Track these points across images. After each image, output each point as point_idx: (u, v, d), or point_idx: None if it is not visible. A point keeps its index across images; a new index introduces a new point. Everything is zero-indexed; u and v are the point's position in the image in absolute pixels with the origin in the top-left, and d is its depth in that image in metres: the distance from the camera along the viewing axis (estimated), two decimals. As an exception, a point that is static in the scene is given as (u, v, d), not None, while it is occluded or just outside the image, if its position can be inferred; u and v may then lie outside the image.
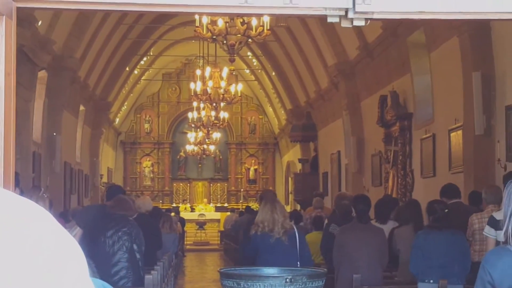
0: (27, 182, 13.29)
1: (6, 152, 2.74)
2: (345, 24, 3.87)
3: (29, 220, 1.55)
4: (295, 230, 7.86)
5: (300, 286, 6.33)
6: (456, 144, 12.57)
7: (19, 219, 1.54)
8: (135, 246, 7.90)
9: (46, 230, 1.55)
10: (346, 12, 3.77)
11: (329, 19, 3.85)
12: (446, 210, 7.36)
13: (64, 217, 11.66)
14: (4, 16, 2.72)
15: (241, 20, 12.81)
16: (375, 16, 3.82)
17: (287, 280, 6.31)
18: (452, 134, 12.77)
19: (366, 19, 3.84)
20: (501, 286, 3.15)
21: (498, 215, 7.20)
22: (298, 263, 7.62)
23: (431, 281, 7.08)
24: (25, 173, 14.11)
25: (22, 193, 7.23)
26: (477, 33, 11.50)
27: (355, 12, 3.74)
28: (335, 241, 8.47)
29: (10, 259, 1.47)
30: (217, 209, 35.11)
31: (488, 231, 7.31)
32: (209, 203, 35.84)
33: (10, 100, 2.69)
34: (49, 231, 1.56)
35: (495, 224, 7.22)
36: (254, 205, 32.04)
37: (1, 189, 1.63)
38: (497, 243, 7.18)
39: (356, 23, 3.83)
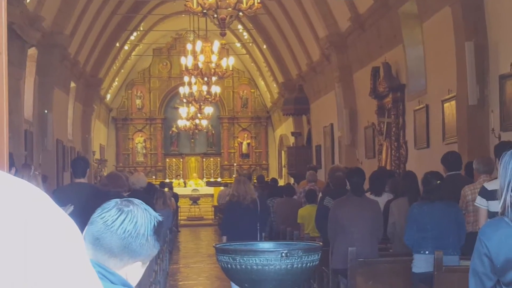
0: (19, 161, 13.27)
1: (0, 132, 2.73)
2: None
3: (26, 202, 1.55)
4: (257, 200, 10.80)
5: (296, 260, 6.35)
6: (449, 115, 12.57)
7: (16, 201, 1.54)
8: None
9: (43, 211, 1.55)
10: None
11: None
12: (438, 182, 7.36)
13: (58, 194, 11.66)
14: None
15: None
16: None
17: (283, 254, 6.32)
18: (445, 105, 12.77)
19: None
20: (498, 258, 3.16)
21: (490, 185, 7.22)
22: (258, 223, 10.67)
23: (427, 252, 7.11)
24: (17, 151, 14.08)
25: (16, 172, 7.20)
26: (470, 3, 11.44)
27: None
28: (330, 214, 8.48)
29: (8, 240, 1.47)
30: (209, 184, 35.12)
31: (480, 201, 7.33)
32: (201, 178, 35.86)
33: (2, 79, 2.67)
34: (46, 211, 1.56)
35: (487, 194, 7.24)
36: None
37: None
38: (491, 214, 7.21)
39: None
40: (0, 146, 2.78)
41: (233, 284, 12.27)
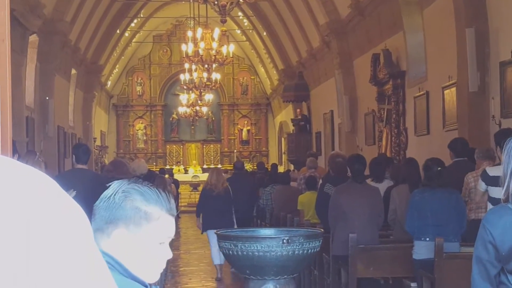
0: (21, 147, 13.26)
1: (3, 119, 2.71)
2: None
3: (34, 188, 1.53)
4: (229, 188, 12.93)
5: (297, 247, 6.35)
6: (449, 102, 12.55)
7: (24, 187, 1.52)
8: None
9: (50, 198, 1.53)
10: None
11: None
12: (439, 168, 7.34)
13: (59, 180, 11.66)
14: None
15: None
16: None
17: (284, 241, 6.33)
18: (445, 92, 12.74)
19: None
20: (503, 246, 3.14)
21: (492, 171, 7.22)
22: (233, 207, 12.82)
23: (427, 239, 7.10)
24: (19, 138, 14.07)
25: (19, 158, 7.20)
26: None
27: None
28: (331, 201, 8.47)
29: (17, 227, 1.46)
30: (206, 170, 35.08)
31: (480, 185, 7.36)
32: (201, 165, 35.85)
33: (6, 67, 2.64)
34: (54, 198, 1.55)
35: (486, 179, 7.26)
36: (248, 166, 32.17)
37: (4, 157, 1.60)
38: (493, 200, 7.21)
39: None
40: (4, 133, 2.76)
41: (213, 252, 13.13)
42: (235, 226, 12.46)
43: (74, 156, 8.39)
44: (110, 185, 2.35)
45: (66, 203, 1.55)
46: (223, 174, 14.10)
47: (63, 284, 1.47)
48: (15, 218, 1.45)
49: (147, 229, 2.32)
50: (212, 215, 12.54)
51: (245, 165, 29.46)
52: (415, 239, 7.31)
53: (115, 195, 2.31)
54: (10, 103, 2.73)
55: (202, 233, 13.67)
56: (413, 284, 7.70)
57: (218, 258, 12.61)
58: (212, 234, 11.94)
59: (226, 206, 12.68)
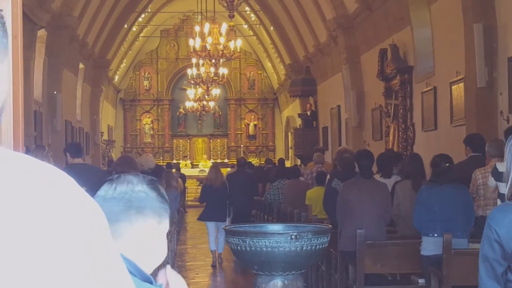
0: (29, 141, 13.27)
1: (15, 114, 2.71)
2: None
3: (51, 184, 1.53)
4: (226, 183, 14.58)
5: (305, 243, 6.34)
6: (457, 97, 12.51)
7: (41, 183, 1.52)
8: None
9: (67, 194, 1.52)
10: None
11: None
12: (447, 164, 7.32)
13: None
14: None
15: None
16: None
17: (292, 236, 6.31)
18: (453, 87, 12.71)
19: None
20: (508, 244, 3.12)
21: (501, 167, 7.19)
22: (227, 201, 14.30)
23: (435, 234, 7.07)
24: (27, 132, 14.08)
25: (28, 152, 7.20)
26: None
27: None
28: (339, 196, 8.46)
29: (35, 222, 1.43)
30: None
31: (490, 181, 7.33)
32: (209, 159, 35.85)
33: (18, 62, 2.64)
34: (71, 194, 1.54)
35: (497, 175, 7.23)
36: (254, 160, 32.16)
37: (22, 154, 1.60)
38: (501, 195, 7.19)
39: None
40: (16, 127, 2.76)
41: (210, 240, 14.51)
42: (230, 217, 14.79)
43: (68, 154, 8.51)
44: (118, 177, 2.43)
45: (85, 201, 1.56)
46: (221, 170, 15.44)
47: (83, 279, 1.47)
48: (34, 215, 1.45)
49: (166, 221, 2.46)
50: (210, 207, 14.35)
51: (249, 160, 29.50)
52: (423, 235, 7.29)
53: (144, 188, 2.42)
54: (22, 98, 2.73)
55: (197, 220, 15.57)
56: (421, 280, 7.70)
57: (214, 245, 14.40)
58: (209, 224, 14.45)
59: (222, 199, 14.32)
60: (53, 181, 1.52)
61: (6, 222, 1.42)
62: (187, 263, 14.83)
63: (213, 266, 14.25)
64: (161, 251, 2.50)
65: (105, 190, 2.43)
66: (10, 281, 1.41)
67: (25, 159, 1.54)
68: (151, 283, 2.34)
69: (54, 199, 1.48)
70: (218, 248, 14.42)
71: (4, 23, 1.71)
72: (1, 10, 1.76)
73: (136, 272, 2.33)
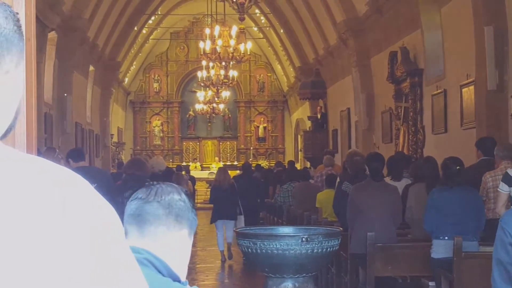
0: (39, 143, 13.31)
1: (29, 116, 2.72)
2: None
3: (68, 187, 1.55)
4: (234, 184, 15.03)
5: (316, 245, 6.34)
6: (468, 100, 12.47)
7: (57, 186, 1.54)
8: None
9: (84, 196, 1.56)
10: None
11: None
12: (458, 168, 7.30)
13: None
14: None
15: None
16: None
17: (303, 239, 6.32)
18: (464, 90, 12.67)
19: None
20: None
21: (512, 172, 7.17)
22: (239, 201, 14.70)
23: (446, 237, 7.06)
24: (38, 134, 14.09)
25: (39, 154, 7.23)
26: None
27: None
28: (349, 199, 8.45)
29: (52, 222, 1.48)
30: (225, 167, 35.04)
31: (501, 187, 7.28)
32: (220, 162, 35.84)
33: (31, 64, 2.65)
34: (87, 196, 1.57)
35: (509, 180, 7.18)
36: (264, 163, 32.15)
37: (38, 157, 1.62)
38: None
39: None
40: (29, 128, 2.78)
41: (218, 239, 15.16)
42: (241, 215, 15.16)
43: (70, 160, 8.61)
44: (159, 184, 2.60)
45: (100, 202, 1.59)
46: (229, 172, 16.06)
47: (99, 274, 1.52)
48: (53, 216, 1.49)
49: (193, 233, 2.63)
50: (219, 208, 14.75)
51: (258, 163, 29.51)
52: (434, 238, 7.28)
53: (183, 199, 2.57)
54: (35, 101, 2.74)
55: (210, 224, 15.83)
56: (431, 283, 7.67)
57: (222, 245, 14.90)
58: (218, 223, 14.86)
59: (231, 199, 14.67)
60: (74, 183, 1.55)
61: (34, 220, 1.48)
62: (197, 265, 14.82)
63: (223, 261, 14.88)
64: (187, 261, 2.61)
65: (145, 193, 2.55)
66: (50, 266, 1.46)
67: (44, 163, 1.56)
68: (179, 282, 2.48)
69: (77, 200, 1.52)
70: (227, 239, 15.01)
71: (20, 27, 1.73)
72: (17, 14, 1.79)
73: (167, 272, 2.47)
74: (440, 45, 14.21)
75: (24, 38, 1.81)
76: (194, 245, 16.50)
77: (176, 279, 2.48)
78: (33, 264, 1.46)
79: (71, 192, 1.54)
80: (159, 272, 2.44)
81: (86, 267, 1.50)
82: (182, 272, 2.57)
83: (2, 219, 1.47)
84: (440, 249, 7.17)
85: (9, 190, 1.51)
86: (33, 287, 1.47)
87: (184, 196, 2.57)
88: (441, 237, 7.15)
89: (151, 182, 2.60)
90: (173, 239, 2.52)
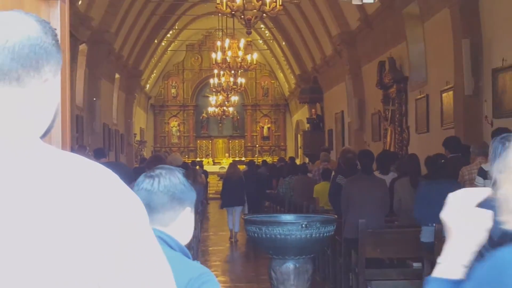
0: (72, 142, 13.31)
1: (63, 118, 2.73)
2: (355, 2, 3.80)
3: (102, 181, 1.58)
4: (243, 177, 15.90)
5: (314, 231, 6.34)
6: (447, 104, 12.45)
7: (92, 178, 1.59)
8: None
9: (114, 186, 1.59)
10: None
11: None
12: (443, 161, 7.30)
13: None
14: (58, 1, 2.69)
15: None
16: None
17: (303, 225, 6.31)
18: (444, 95, 12.64)
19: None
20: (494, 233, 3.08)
21: (486, 166, 7.16)
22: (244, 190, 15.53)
23: (434, 224, 7.05)
24: (71, 133, 14.14)
25: (72, 151, 7.27)
26: (466, 4, 11.30)
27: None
28: (343, 190, 8.45)
29: (96, 212, 1.53)
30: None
31: (477, 180, 7.27)
32: (229, 157, 35.85)
33: (65, 73, 2.66)
34: (117, 186, 1.60)
35: (483, 174, 7.18)
36: (268, 159, 32.14)
37: (74, 154, 1.65)
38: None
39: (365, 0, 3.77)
40: (64, 128, 2.78)
41: (228, 220, 15.83)
42: (245, 204, 16.13)
43: (98, 154, 8.72)
44: (160, 173, 2.59)
45: (127, 191, 1.62)
46: (239, 167, 17.14)
47: (137, 253, 1.57)
48: (96, 205, 1.53)
49: (193, 204, 2.66)
50: (230, 196, 15.63)
51: (264, 159, 29.47)
52: (423, 225, 7.28)
53: (182, 182, 2.60)
54: (70, 105, 2.75)
55: (220, 208, 17.15)
56: (415, 264, 7.67)
57: (231, 224, 15.57)
58: (229, 210, 15.66)
59: (239, 189, 15.55)
60: (106, 175, 1.59)
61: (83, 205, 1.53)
62: (210, 248, 14.84)
63: (230, 240, 15.55)
64: (192, 229, 2.67)
65: (150, 184, 2.56)
66: (110, 237, 1.53)
67: (80, 158, 1.62)
68: (189, 257, 2.52)
69: (109, 189, 1.57)
70: (234, 228, 15.49)
71: (58, 40, 1.74)
72: (55, 29, 1.80)
73: (179, 249, 2.51)
74: (423, 56, 14.18)
75: (59, 49, 1.82)
76: (206, 231, 16.56)
77: (186, 253, 2.51)
78: (80, 244, 1.50)
79: (104, 182, 1.57)
80: (171, 248, 2.47)
81: (121, 248, 1.52)
82: (188, 239, 2.63)
83: (48, 204, 1.50)
84: (428, 234, 7.16)
85: (51, 181, 1.53)
86: (81, 262, 1.50)
87: (182, 179, 2.59)
88: (429, 224, 7.13)
89: (150, 173, 2.59)
90: (179, 219, 2.56)
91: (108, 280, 1.52)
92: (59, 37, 1.89)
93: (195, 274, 2.42)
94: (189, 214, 2.60)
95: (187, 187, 2.59)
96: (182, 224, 2.58)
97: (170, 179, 2.56)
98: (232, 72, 21.51)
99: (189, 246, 3.01)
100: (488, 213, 1.82)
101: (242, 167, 30.49)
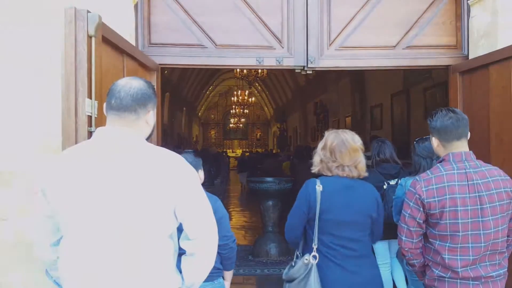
0: (161, 142, 13.17)
1: (157, 129, 2.72)
2: (303, 72, 3.81)
3: (182, 163, 1.75)
4: (247, 158, 14.64)
5: (281, 185, 6.29)
6: (348, 125, 12.20)
7: (178, 159, 1.75)
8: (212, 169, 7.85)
9: (186, 163, 1.75)
10: (303, 67, 3.71)
11: (296, 70, 3.80)
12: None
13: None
14: (155, 72, 2.70)
15: (254, 70, 12.65)
16: (317, 69, 3.76)
17: (276, 183, 6.27)
18: (347, 119, 12.35)
19: (313, 71, 3.79)
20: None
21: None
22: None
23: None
24: (154, 142, 14.00)
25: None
26: (356, 77, 10.89)
27: (308, 68, 3.69)
28: (295, 166, 8.28)
29: (182, 181, 1.69)
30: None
31: None
32: (240, 149, 35.68)
33: (159, 107, 2.66)
34: (186, 163, 1.75)
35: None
36: (260, 150, 31.86)
37: (164, 148, 1.77)
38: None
39: (309, 71, 3.78)
40: (157, 136, 2.79)
41: (240, 178, 15.31)
42: (247, 172, 14.81)
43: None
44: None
45: (189, 167, 1.71)
46: (245, 154, 17.13)
47: (198, 198, 1.73)
48: (182, 173, 1.71)
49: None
50: (240, 168, 15.41)
51: (257, 150, 29.07)
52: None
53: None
54: (160, 122, 2.75)
55: (237, 173, 16.70)
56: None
57: (243, 181, 14.79)
58: (241, 175, 14.79)
59: (245, 164, 15.20)
60: (179, 157, 1.74)
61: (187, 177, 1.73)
62: (230, 194, 14.66)
63: (241, 188, 15.42)
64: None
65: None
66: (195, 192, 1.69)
67: (168, 150, 1.74)
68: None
69: (188, 165, 1.71)
70: (243, 183, 15.11)
71: (155, 90, 1.85)
72: (153, 85, 1.89)
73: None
74: (337, 100, 13.98)
75: (156, 95, 1.86)
76: (227, 183, 16.41)
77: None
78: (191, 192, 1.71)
79: (177, 160, 1.65)
80: None
81: (187, 189, 1.69)
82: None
83: (154, 166, 1.65)
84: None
85: (153, 158, 1.68)
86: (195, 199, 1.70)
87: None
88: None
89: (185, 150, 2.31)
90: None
91: (181, 203, 1.66)
92: (156, 89, 1.95)
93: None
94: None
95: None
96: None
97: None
98: (241, 107, 21.37)
99: (218, 192, 2.88)
100: None
101: (247, 154, 30.63)
